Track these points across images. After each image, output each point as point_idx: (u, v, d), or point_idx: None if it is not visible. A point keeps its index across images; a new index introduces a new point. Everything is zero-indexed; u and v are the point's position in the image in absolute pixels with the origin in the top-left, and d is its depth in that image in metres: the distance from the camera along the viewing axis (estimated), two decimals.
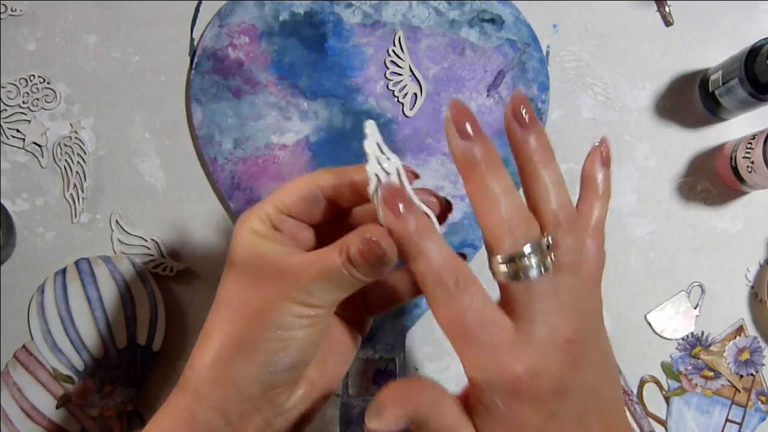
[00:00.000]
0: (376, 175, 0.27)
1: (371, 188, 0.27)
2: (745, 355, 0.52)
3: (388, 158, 0.28)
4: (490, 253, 0.27)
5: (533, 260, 0.26)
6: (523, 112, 0.28)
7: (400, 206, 0.27)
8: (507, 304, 0.27)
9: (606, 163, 0.30)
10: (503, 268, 0.27)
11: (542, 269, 0.26)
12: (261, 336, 0.29)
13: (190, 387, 0.30)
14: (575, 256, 0.28)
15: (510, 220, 0.26)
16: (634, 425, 0.52)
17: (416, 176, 0.31)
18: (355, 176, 0.30)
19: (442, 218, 0.31)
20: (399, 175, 0.29)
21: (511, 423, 0.26)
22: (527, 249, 0.26)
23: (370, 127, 0.28)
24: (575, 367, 0.26)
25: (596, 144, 0.31)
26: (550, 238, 0.27)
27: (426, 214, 0.28)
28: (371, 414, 0.26)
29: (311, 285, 0.28)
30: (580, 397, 0.27)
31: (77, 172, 0.52)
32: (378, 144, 0.28)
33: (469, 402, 0.28)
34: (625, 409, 0.52)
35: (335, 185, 0.31)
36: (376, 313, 0.35)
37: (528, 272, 0.26)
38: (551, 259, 0.27)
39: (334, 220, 0.33)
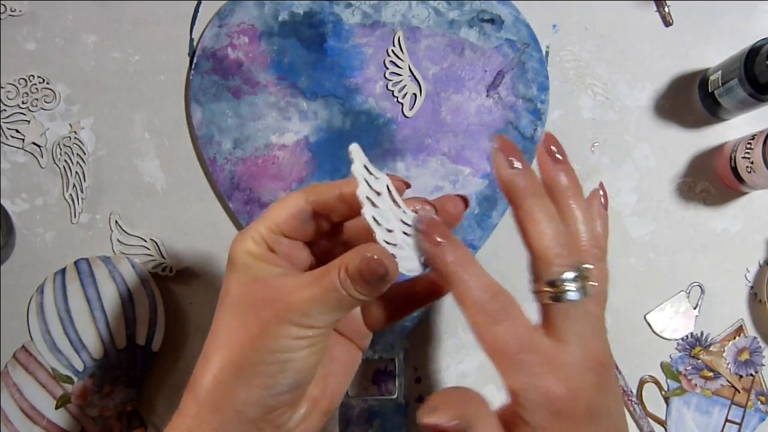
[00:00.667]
0: (368, 198, 0.28)
1: (365, 211, 0.28)
2: (745, 356, 0.52)
3: (377, 178, 0.29)
4: (536, 277, 0.29)
5: (575, 285, 0.28)
6: (554, 149, 0.31)
7: (439, 239, 0.29)
8: (546, 324, 0.29)
9: (605, 206, 0.34)
10: (547, 290, 0.28)
11: (582, 294, 0.28)
12: (259, 360, 0.29)
13: (190, 412, 0.30)
14: (602, 284, 0.30)
15: (556, 247, 0.29)
16: (634, 425, 0.52)
17: (407, 185, 0.32)
18: (344, 189, 0.30)
19: (456, 218, 0.33)
20: (390, 192, 0.29)
21: None
22: (570, 275, 0.28)
23: (355, 151, 0.28)
24: (602, 389, 0.28)
25: (595, 189, 0.34)
26: (585, 265, 0.29)
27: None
28: (425, 412, 0.28)
29: (308, 306, 0.29)
30: (603, 419, 0.28)
31: (77, 172, 0.52)
32: (365, 166, 0.28)
33: (507, 419, 0.29)
34: (625, 410, 0.52)
35: (324, 200, 0.31)
36: (377, 328, 0.35)
37: (569, 296, 0.28)
38: (590, 284, 0.29)
39: (328, 236, 0.33)
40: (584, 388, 0.28)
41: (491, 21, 0.52)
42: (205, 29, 0.52)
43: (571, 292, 0.28)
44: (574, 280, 0.28)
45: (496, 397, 0.52)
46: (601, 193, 0.34)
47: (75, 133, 0.52)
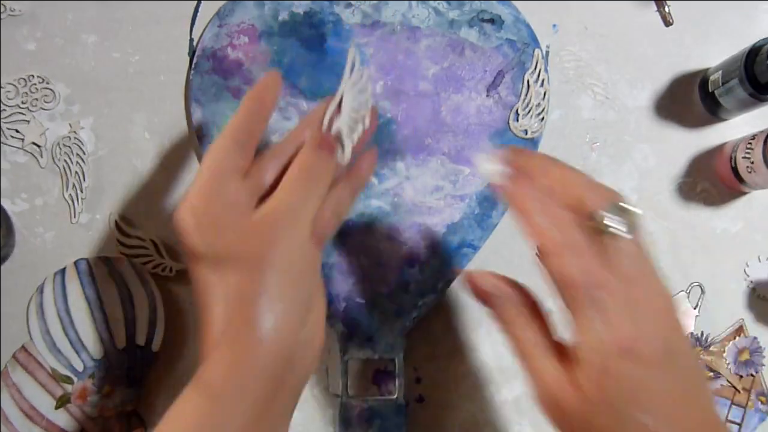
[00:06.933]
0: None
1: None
2: (745, 356, 0.52)
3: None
4: (588, 216, 0.30)
5: (620, 220, 0.29)
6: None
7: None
8: (607, 264, 0.29)
9: None
10: (604, 221, 0.29)
11: (630, 229, 0.29)
12: None
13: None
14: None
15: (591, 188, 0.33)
16: None
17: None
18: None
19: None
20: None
21: None
22: (613, 210, 0.30)
23: None
24: (677, 329, 0.30)
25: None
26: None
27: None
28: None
29: None
30: (681, 361, 0.29)
31: (76, 172, 0.52)
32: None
33: (567, 354, 0.30)
34: None
35: None
36: None
37: (621, 230, 0.29)
38: (633, 219, 0.30)
39: None
40: (661, 328, 0.28)
41: (491, 21, 0.52)
42: (204, 29, 0.52)
43: (621, 226, 0.28)
44: (618, 214, 0.29)
45: (496, 398, 0.52)
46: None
47: (75, 133, 0.52)
